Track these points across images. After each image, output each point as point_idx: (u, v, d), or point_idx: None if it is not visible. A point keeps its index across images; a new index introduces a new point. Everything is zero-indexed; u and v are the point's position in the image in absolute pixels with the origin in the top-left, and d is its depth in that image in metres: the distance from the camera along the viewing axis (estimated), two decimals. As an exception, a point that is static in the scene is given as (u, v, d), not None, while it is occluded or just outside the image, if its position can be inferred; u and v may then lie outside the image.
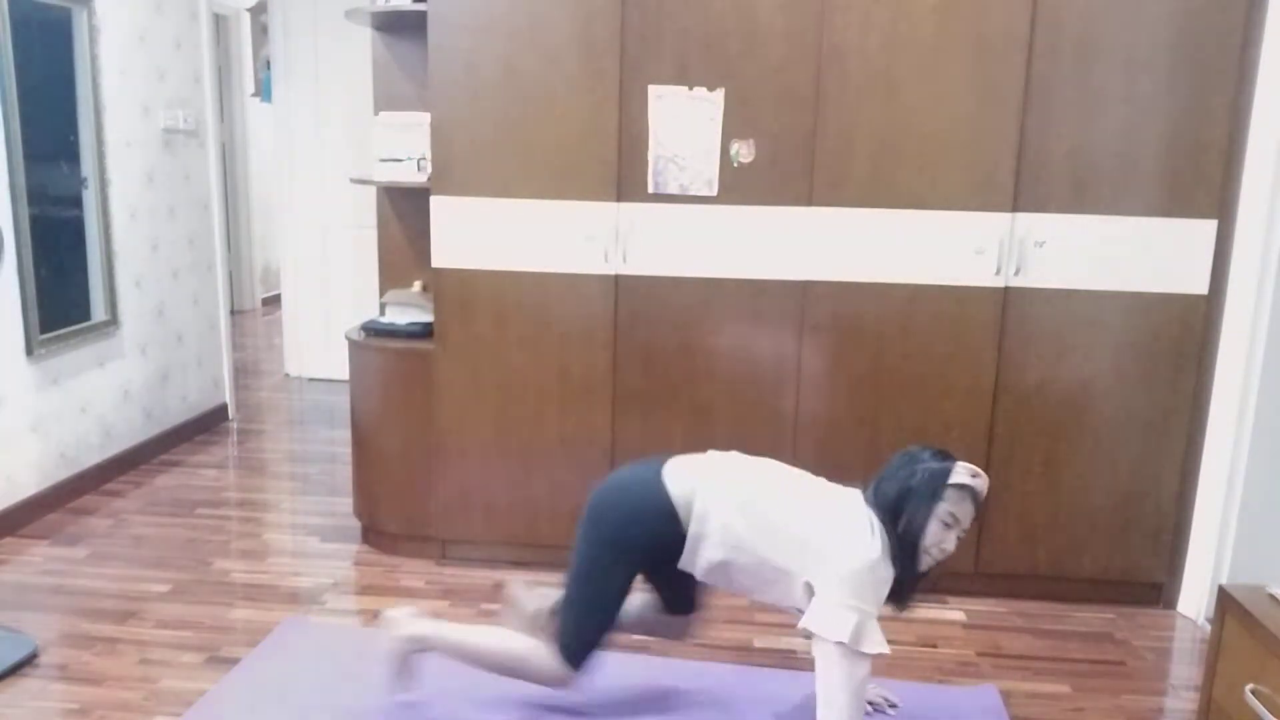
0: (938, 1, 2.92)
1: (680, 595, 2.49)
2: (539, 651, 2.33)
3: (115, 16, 4.01)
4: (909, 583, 2.20)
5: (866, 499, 2.23)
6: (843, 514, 2.21)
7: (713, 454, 2.37)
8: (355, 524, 3.61)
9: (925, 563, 2.18)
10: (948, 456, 2.21)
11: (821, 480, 2.35)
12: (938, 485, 2.15)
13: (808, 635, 2.15)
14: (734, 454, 2.38)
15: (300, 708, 2.47)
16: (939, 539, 2.16)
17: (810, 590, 2.16)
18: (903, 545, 2.16)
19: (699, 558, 2.25)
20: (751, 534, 2.20)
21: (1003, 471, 3.14)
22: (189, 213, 4.65)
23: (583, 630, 2.30)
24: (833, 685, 2.10)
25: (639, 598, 2.48)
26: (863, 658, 2.09)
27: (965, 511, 2.17)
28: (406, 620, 2.43)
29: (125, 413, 4.22)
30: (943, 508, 2.15)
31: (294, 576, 3.28)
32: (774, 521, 2.20)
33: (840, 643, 2.07)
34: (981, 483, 2.18)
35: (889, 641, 2.94)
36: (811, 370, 3.16)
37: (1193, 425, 3.10)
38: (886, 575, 2.15)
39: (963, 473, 2.17)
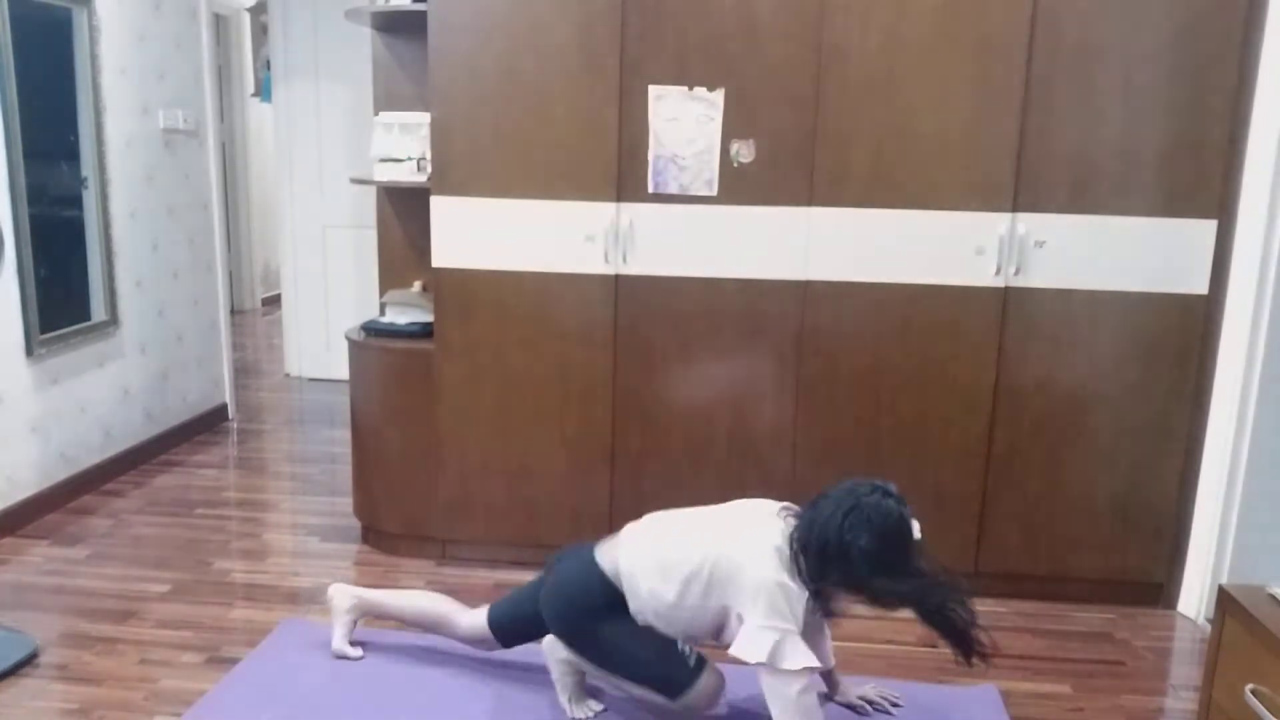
0: (938, 1, 2.91)
1: None
2: (467, 616, 2.61)
3: (115, 16, 4.01)
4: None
5: (792, 530, 2.17)
6: (746, 540, 2.20)
7: (628, 527, 2.39)
8: (355, 524, 3.61)
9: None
10: (888, 493, 2.12)
11: (732, 507, 2.35)
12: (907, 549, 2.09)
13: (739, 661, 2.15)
14: (646, 519, 2.40)
15: (300, 708, 2.47)
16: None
17: (741, 620, 2.17)
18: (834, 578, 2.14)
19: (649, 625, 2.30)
20: (675, 593, 2.21)
21: (1003, 471, 3.15)
22: (189, 213, 4.64)
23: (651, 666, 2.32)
24: (776, 703, 2.12)
25: None
26: (792, 674, 2.08)
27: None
28: (348, 592, 2.74)
29: (125, 413, 4.22)
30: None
31: (294, 576, 3.28)
32: (688, 573, 2.20)
33: (761, 663, 2.09)
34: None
35: (891, 641, 2.94)
36: (812, 370, 3.16)
37: (1193, 425, 3.10)
38: (799, 592, 2.13)
39: (915, 524, 2.11)
